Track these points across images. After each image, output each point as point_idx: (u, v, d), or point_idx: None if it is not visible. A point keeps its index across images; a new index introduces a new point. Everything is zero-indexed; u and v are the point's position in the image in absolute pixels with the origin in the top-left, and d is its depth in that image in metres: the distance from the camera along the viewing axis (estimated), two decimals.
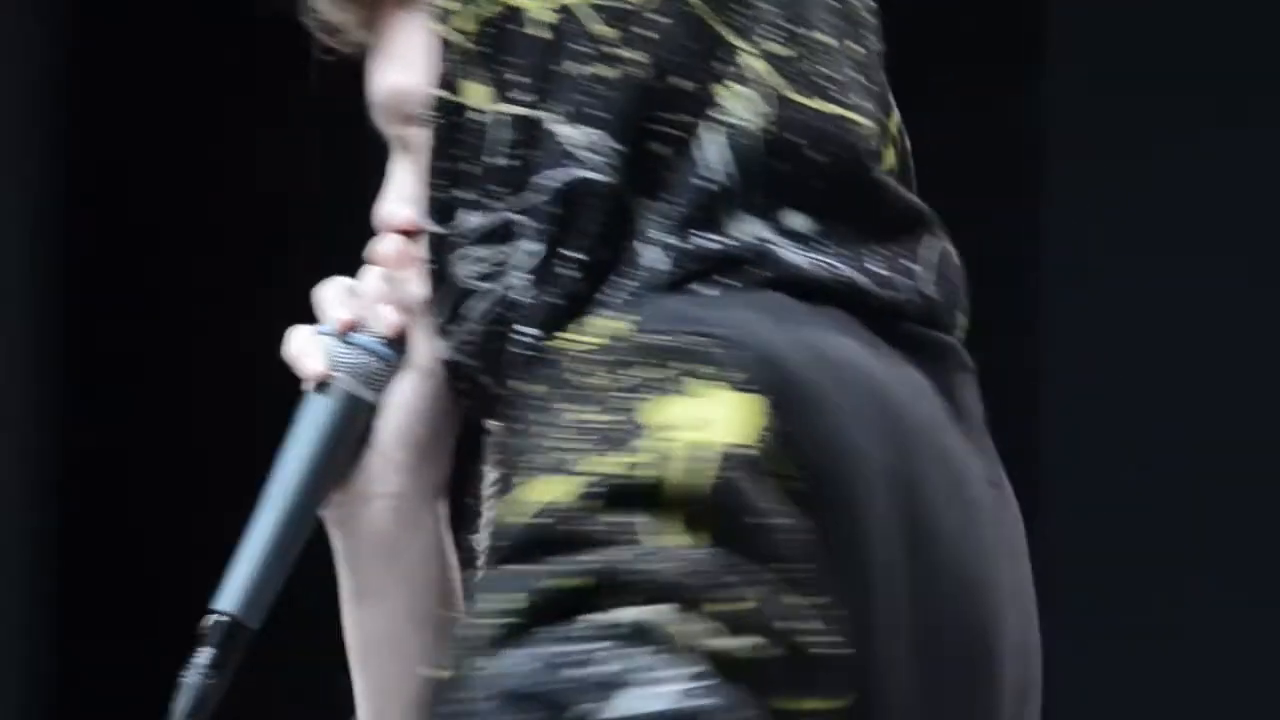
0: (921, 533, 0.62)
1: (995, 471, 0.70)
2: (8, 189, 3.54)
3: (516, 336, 0.65)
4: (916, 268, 0.67)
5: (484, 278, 0.66)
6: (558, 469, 0.57)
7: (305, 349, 0.71)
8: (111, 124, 3.61)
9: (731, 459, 0.57)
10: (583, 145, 0.65)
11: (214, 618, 0.68)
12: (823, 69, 0.67)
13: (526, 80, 0.66)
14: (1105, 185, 3.50)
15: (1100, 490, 3.54)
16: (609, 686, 0.54)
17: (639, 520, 0.56)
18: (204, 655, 0.67)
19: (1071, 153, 3.52)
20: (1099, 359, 3.54)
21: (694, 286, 0.64)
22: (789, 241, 0.65)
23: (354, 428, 0.70)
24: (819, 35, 0.67)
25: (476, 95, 0.66)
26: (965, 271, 0.71)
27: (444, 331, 0.68)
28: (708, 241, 0.64)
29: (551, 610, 0.55)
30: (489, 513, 0.66)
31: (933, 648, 0.62)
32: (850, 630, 0.58)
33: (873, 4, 0.71)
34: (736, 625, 0.55)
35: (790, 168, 0.65)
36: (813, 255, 0.65)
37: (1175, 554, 3.63)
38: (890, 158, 0.69)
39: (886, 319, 0.66)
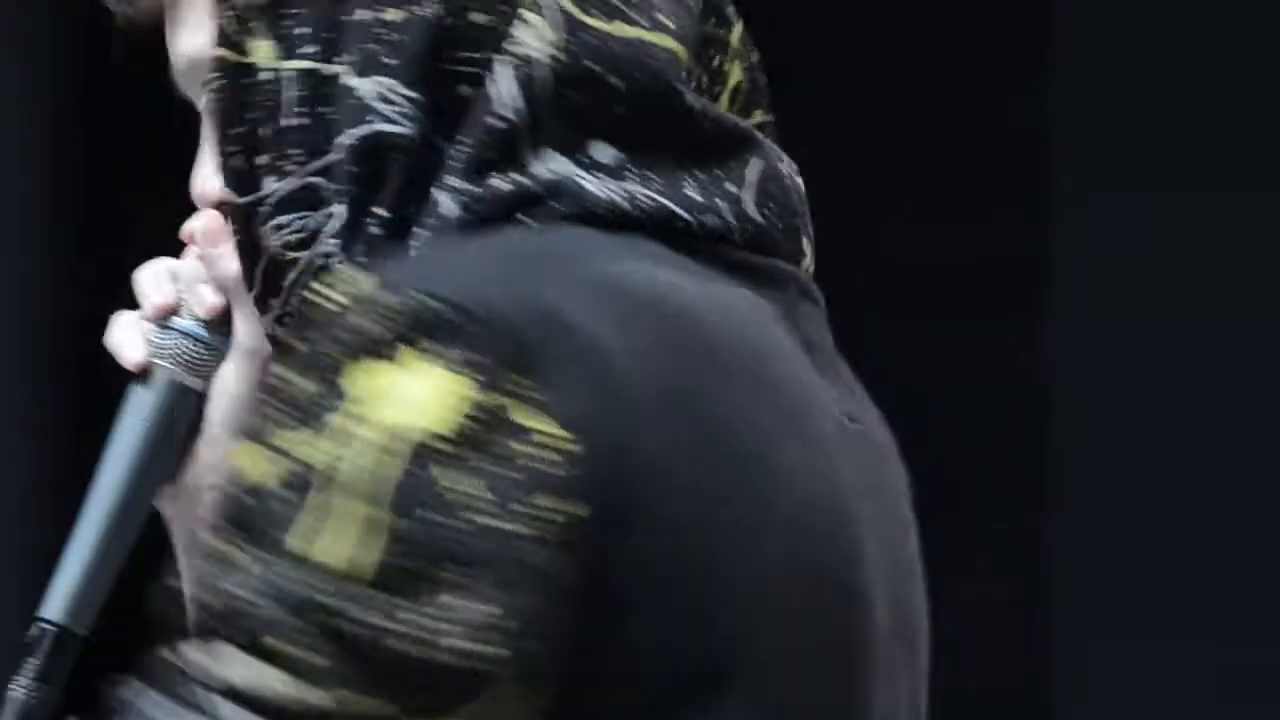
0: (741, 469, 0.57)
1: (853, 405, 0.64)
2: (16, 188, 3.53)
3: (325, 296, 0.59)
4: (741, 192, 0.62)
5: (293, 246, 0.62)
6: (259, 437, 0.55)
7: (125, 338, 0.67)
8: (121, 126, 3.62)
9: (425, 450, 0.53)
10: (375, 96, 0.61)
11: (40, 626, 0.64)
12: None
13: (313, 32, 0.62)
14: (1112, 186, 3.50)
15: (1109, 494, 3.54)
16: None
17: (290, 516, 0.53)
18: (30, 666, 0.63)
19: (1078, 154, 3.52)
20: (1106, 358, 3.55)
21: (485, 231, 0.60)
22: (593, 174, 0.61)
23: (181, 418, 0.66)
24: None
25: (263, 53, 0.62)
26: (805, 195, 0.66)
27: (263, 306, 0.64)
28: (501, 181, 0.60)
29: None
30: None
31: (779, 586, 0.57)
32: (580, 618, 0.54)
33: None
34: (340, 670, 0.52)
35: (589, 97, 0.61)
36: (618, 185, 0.61)
37: (1183, 556, 3.63)
38: (736, 73, 0.66)
39: (707, 245, 0.61)
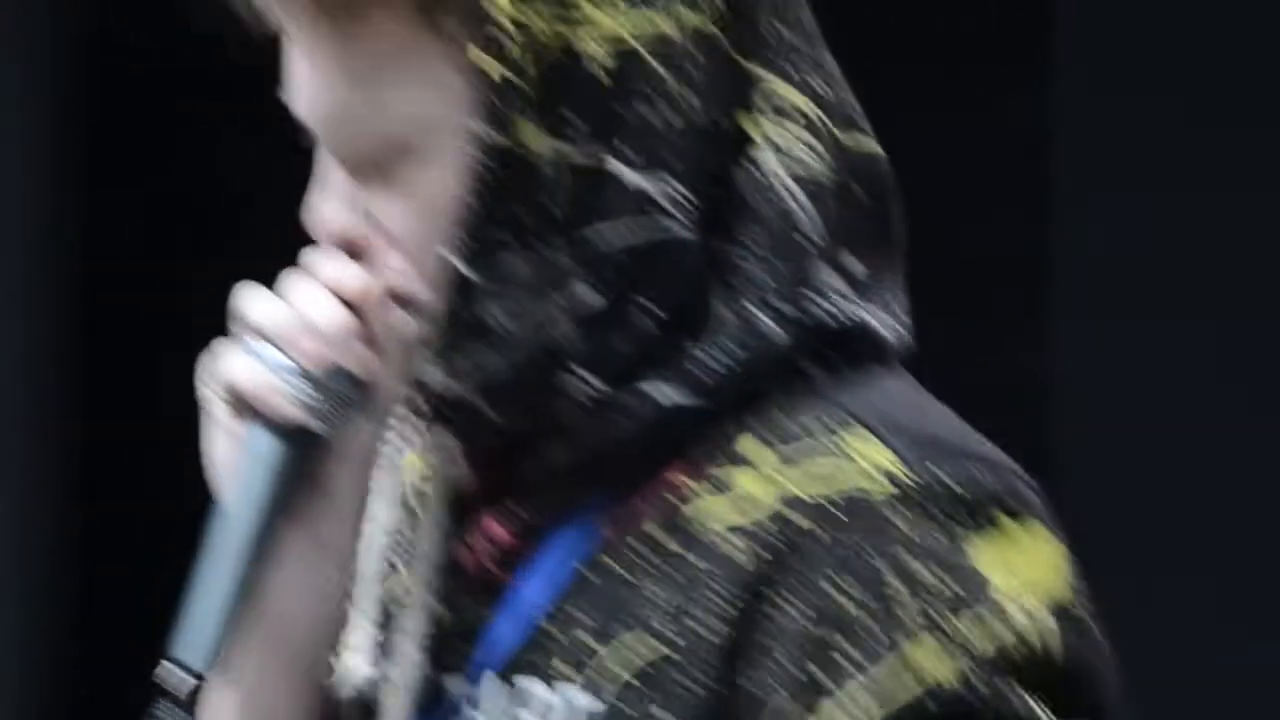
0: None
1: None
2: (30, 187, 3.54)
3: (577, 383, 0.61)
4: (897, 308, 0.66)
5: (521, 322, 0.62)
6: (931, 629, 0.57)
7: (267, 386, 0.63)
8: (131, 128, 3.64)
9: (1063, 620, 0.59)
10: (653, 193, 0.62)
11: (179, 673, 0.62)
12: (847, 99, 0.65)
13: (586, 123, 0.62)
14: (1112, 187, 3.50)
15: (1109, 494, 3.55)
16: None
17: (1020, 702, 0.58)
18: (169, 710, 0.62)
19: (1078, 154, 3.53)
20: (1107, 358, 3.55)
21: (806, 364, 0.62)
22: (857, 293, 0.63)
23: (311, 468, 0.64)
24: (831, 64, 0.65)
25: (530, 136, 0.61)
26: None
27: (447, 365, 0.63)
28: (815, 308, 0.62)
29: None
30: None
31: None
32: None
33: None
34: None
35: (849, 211, 0.64)
36: (881, 314, 0.64)
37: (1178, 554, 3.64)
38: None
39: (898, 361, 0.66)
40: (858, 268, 0.63)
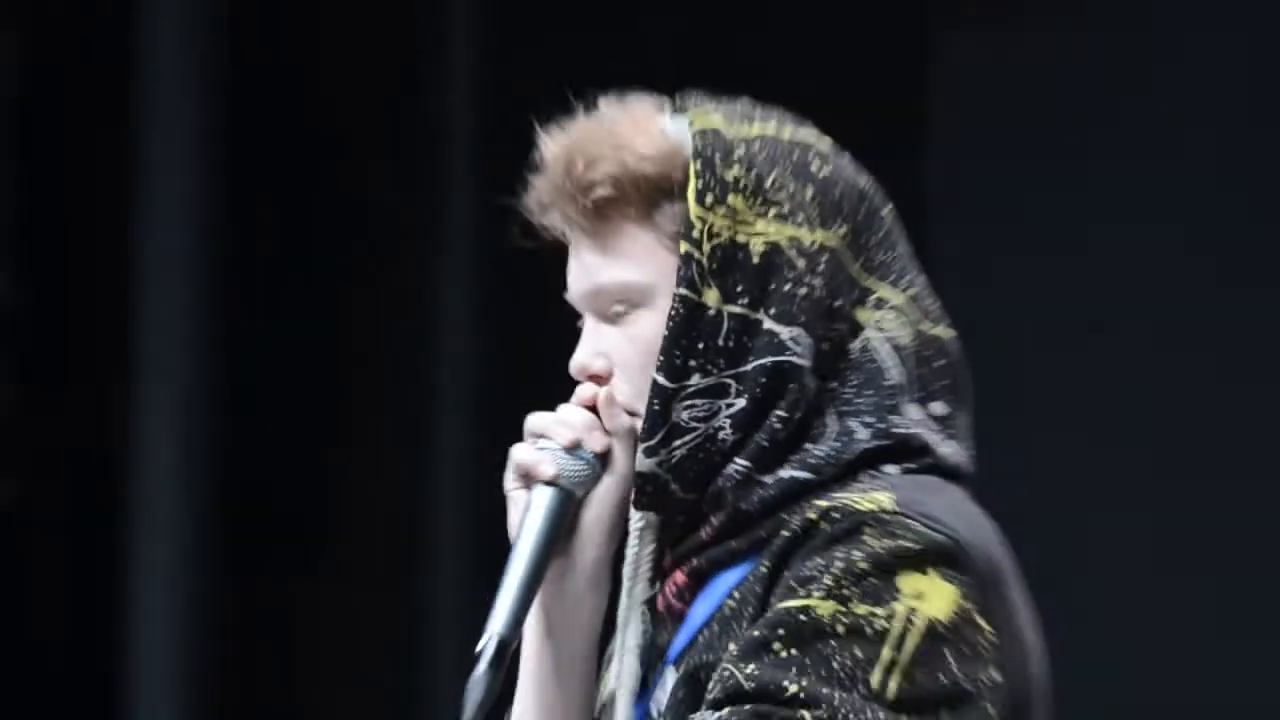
0: (1033, 634, 0.93)
1: None
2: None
3: (730, 466, 0.93)
4: (967, 440, 0.97)
5: (696, 420, 0.93)
6: (833, 595, 0.86)
7: (537, 458, 0.95)
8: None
9: (934, 629, 0.86)
10: (787, 338, 0.92)
11: (491, 637, 0.93)
12: (931, 303, 0.97)
13: (746, 290, 0.92)
14: (986, 249, 3.61)
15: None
16: None
17: (862, 658, 0.85)
18: (484, 661, 0.92)
19: (955, 219, 3.63)
20: (989, 410, 3.60)
21: (885, 465, 0.92)
22: (936, 425, 0.94)
23: (570, 515, 0.96)
24: (920, 275, 0.97)
25: (711, 296, 0.92)
26: None
27: (650, 451, 0.93)
28: (896, 429, 0.92)
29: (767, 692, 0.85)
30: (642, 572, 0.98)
31: (1043, 691, 0.94)
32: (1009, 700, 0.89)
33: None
34: None
35: (927, 370, 0.94)
36: (950, 443, 0.95)
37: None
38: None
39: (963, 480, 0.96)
40: (939, 409, 0.94)
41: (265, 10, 3.90)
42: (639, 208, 0.95)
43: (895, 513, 0.88)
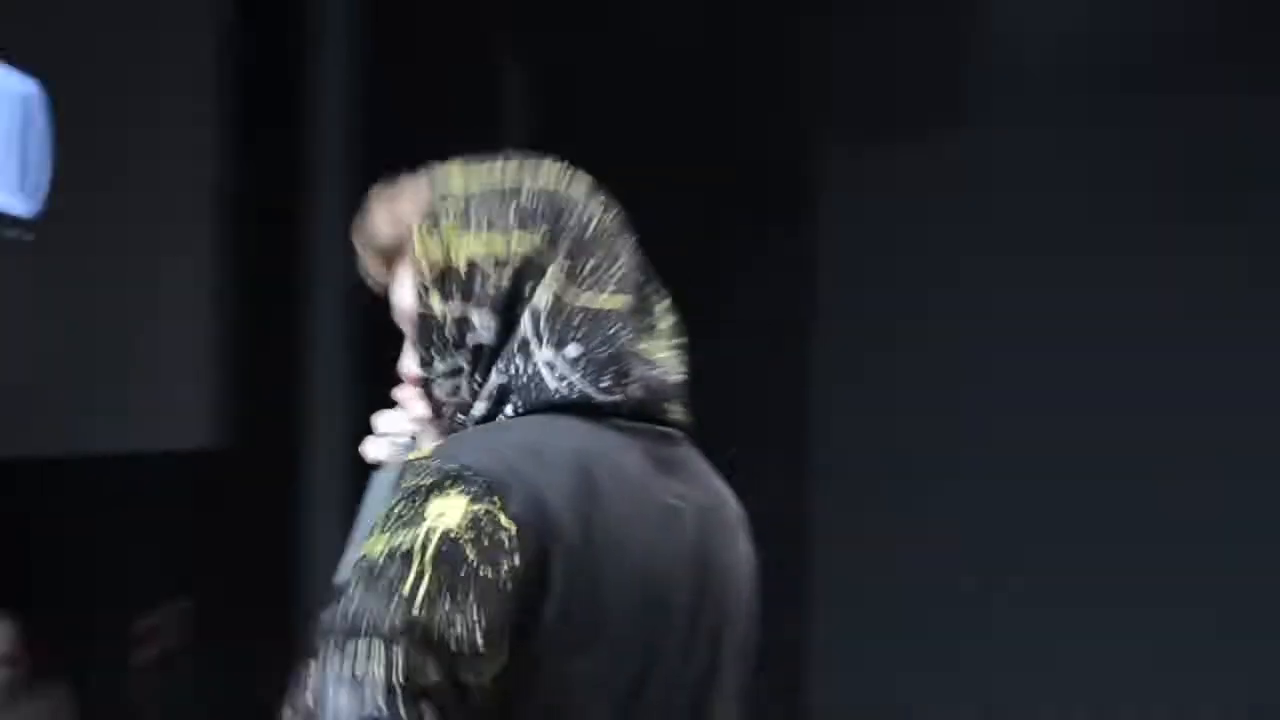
0: (610, 538, 1.17)
1: (687, 490, 1.25)
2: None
3: (463, 409, 1.24)
4: (631, 386, 1.23)
5: (449, 394, 1.24)
6: (382, 532, 1.14)
7: (375, 447, 1.32)
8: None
9: (449, 533, 1.12)
10: (484, 329, 1.22)
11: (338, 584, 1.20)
12: (589, 276, 1.23)
13: (458, 292, 1.22)
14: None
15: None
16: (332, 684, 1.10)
17: (396, 575, 1.11)
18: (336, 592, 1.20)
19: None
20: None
21: (503, 409, 1.22)
22: (559, 368, 1.21)
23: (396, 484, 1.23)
24: (595, 258, 1.25)
25: (435, 302, 1.24)
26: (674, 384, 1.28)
27: (437, 417, 1.26)
28: (518, 370, 1.22)
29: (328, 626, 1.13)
30: None
31: (614, 599, 1.17)
32: (522, 621, 1.13)
33: (626, 229, 1.28)
34: (427, 640, 1.10)
35: (563, 324, 1.22)
36: (566, 382, 1.21)
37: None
38: (661, 325, 1.27)
39: (607, 414, 1.22)
40: (572, 351, 1.22)
41: None
42: (404, 254, 1.28)
43: (425, 457, 1.18)
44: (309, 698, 1.16)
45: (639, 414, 1.23)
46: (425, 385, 1.26)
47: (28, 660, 3.75)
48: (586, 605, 1.16)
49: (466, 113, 4.44)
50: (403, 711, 1.08)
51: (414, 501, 1.14)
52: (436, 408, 1.26)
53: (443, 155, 1.31)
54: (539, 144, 1.56)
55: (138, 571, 4.91)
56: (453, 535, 1.11)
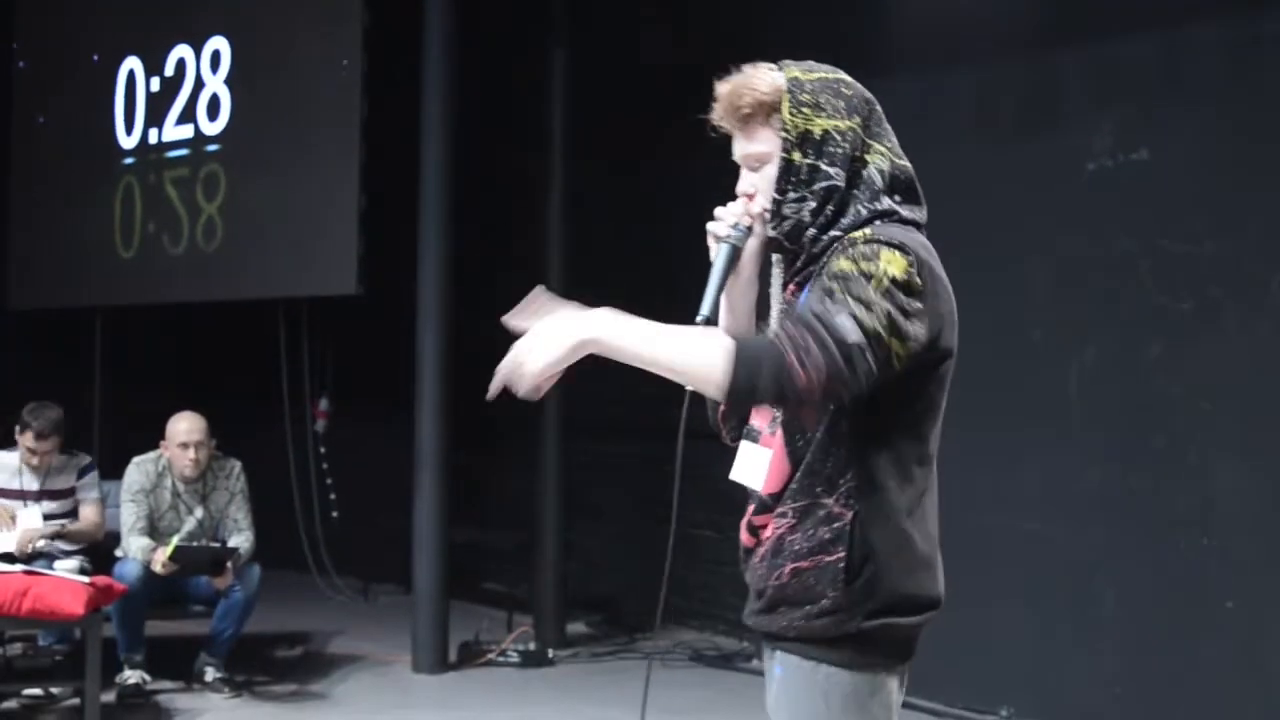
0: (951, 293, 1.77)
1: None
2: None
3: (809, 232, 1.76)
4: (924, 212, 1.82)
5: (792, 211, 1.75)
6: (848, 259, 1.69)
7: (719, 229, 1.79)
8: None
9: (898, 277, 1.68)
10: (833, 172, 1.75)
11: (703, 314, 1.75)
12: (897, 151, 1.81)
13: (813, 150, 1.75)
14: None
15: None
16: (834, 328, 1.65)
17: (863, 279, 1.66)
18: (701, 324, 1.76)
19: None
20: None
21: (877, 221, 1.75)
22: (901, 202, 1.78)
23: (737, 256, 1.79)
24: (888, 134, 1.82)
25: (796, 155, 1.76)
26: None
27: (774, 227, 1.78)
28: (879, 205, 1.76)
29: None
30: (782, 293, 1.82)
31: (958, 330, 1.77)
32: (937, 326, 1.70)
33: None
34: (889, 326, 1.66)
35: (897, 181, 1.79)
36: (908, 209, 1.78)
37: None
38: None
39: (923, 230, 1.80)
40: (899, 199, 1.79)
41: None
42: (762, 116, 1.77)
43: (871, 236, 1.68)
44: (808, 316, 1.65)
45: (923, 227, 1.81)
46: (776, 206, 1.78)
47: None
48: (951, 331, 1.73)
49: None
50: (872, 348, 1.62)
51: (868, 251, 1.68)
52: (778, 222, 1.77)
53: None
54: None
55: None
56: (897, 277, 1.66)
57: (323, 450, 6.61)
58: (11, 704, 4.46)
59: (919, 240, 1.73)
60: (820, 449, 1.72)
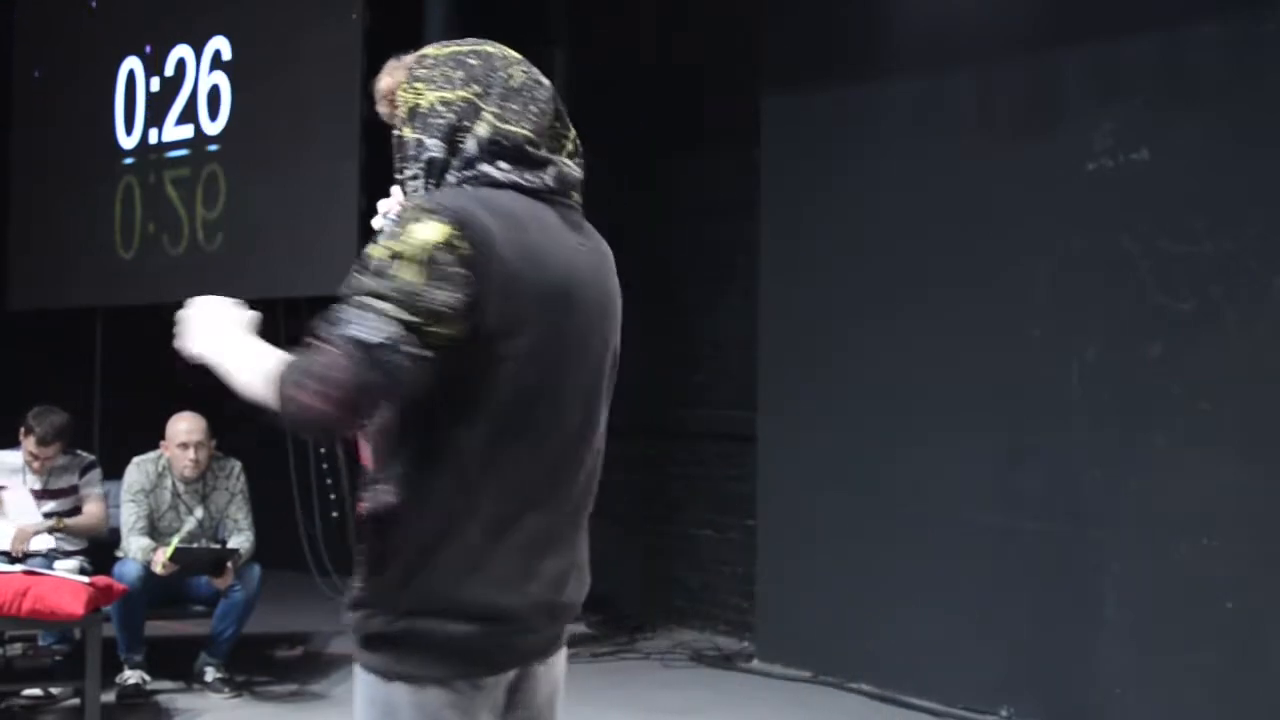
0: (534, 258, 1.61)
1: (586, 240, 1.73)
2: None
3: (420, 180, 1.67)
4: (546, 177, 1.69)
5: (413, 189, 1.67)
6: (385, 241, 1.57)
7: (376, 223, 1.78)
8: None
9: (429, 244, 1.54)
10: (431, 145, 1.67)
11: None
12: (514, 114, 1.69)
13: (420, 125, 1.68)
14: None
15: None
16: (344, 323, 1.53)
17: (397, 265, 1.54)
18: None
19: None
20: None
21: (464, 186, 1.65)
22: (504, 167, 1.66)
23: None
24: (518, 103, 1.70)
25: (406, 131, 1.69)
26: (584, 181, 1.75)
27: (408, 196, 1.69)
28: (467, 170, 1.66)
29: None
30: None
31: (541, 300, 1.61)
32: (485, 292, 1.55)
33: (546, 87, 1.75)
34: (412, 306, 1.52)
35: (499, 147, 1.67)
36: (505, 174, 1.66)
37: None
38: (568, 145, 1.75)
39: (540, 194, 1.68)
40: (505, 164, 1.67)
41: None
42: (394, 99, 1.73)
43: (418, 202, 1.58)
44: (325, 329, 1.53)
45: (554, 194, 1.70)
46: (400, 185, 1.71)
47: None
48: (514, 301, 1.58)
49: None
50: (404, 348, 1.50)
51: (403, 223, 1.57)
52: (407, 199, 1.69)
53: None
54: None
55: None
56: (432, 243, 1.54)
57: (323, 450, 6.59)
58: (11, 704, 4.44)
59: (489, 202, 1.61)
60: (377, 433, 1.61)
